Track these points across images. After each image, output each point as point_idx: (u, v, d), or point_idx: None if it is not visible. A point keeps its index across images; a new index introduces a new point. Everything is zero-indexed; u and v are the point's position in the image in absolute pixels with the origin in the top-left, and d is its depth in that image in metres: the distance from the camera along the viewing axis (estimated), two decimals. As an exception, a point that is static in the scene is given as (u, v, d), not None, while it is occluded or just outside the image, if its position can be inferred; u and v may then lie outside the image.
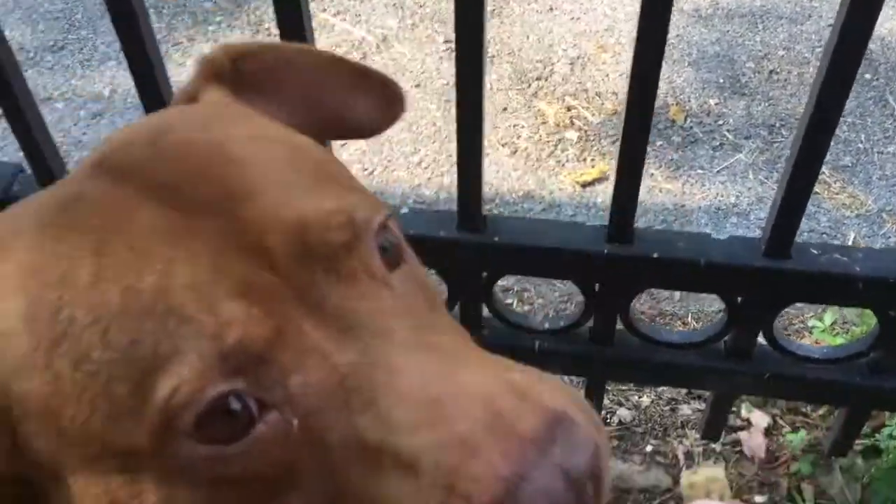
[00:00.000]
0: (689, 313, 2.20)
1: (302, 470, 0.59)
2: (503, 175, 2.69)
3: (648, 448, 1.94)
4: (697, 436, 1.92)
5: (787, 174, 1.32)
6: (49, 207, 0.63)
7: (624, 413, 2.01)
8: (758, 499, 1.82)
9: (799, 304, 2.23)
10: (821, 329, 2.13)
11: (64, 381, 0.57)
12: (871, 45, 2.83)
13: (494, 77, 3.05)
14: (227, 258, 0.59)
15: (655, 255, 1.40)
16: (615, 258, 1.42)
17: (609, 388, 2.04)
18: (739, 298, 1.47)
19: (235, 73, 0.80)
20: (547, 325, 1.64)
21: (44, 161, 1.50)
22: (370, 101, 0.86)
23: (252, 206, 0.61)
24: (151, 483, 0.59)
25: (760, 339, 1.57)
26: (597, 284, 1.50)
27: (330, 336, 0.59)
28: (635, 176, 1.37)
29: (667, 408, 2.01)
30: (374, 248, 0.65)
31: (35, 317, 0.58)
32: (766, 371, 1.56)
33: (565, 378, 2.08)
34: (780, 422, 1.94)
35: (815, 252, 1.37)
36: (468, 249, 1.49)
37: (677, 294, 2.27)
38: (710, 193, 2.59)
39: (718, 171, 2.66)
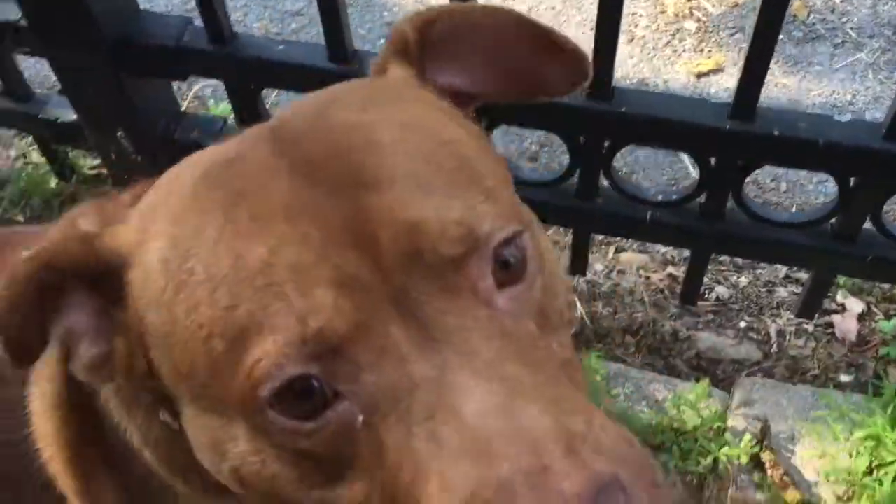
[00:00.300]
0: (794, 204, 2.26)
1: (359, 460, 0.62)
2: (619, 62, 2.72)
3: (742, 324, 2.05)
4: (791, 316, 2.02)
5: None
6: (215, 161, 0.68)
7: (721, 290, 2.11)
8: (843, 378, 1.92)
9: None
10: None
11: (178, 325, 0.64)
12: None
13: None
14: (336, 245, 0.60)
15: (776, 133, 1.47)
16: (736, 134, 1.50)
17: (709, 266, 2.14)
18: (853, 181, 1.54)
19: (421, 43, 0.79)
20: (660, 198, 1.74)
21: (213, 16, 1.64)
22: (554, 65, 0.81)
23: (376, 197, 0.62)
24: (244, 433, 0.65)
25: (867, 224, 1.64)
26: (713, 159, 1.59)
27: (414, 343, 0.60)
28: (765, 58, 1.43)
29: (763, 289, 2.10)
30: (486, 265, 0.64)
31: (169, 260, 0.65)
32: (870, 254, 1.64)
33: (671, 249, 2.18)
34: (874, 309, 2.01)
35: (936, 135, 1.42)
36: (594, 118, 1.58)
37: (783, 184, 2.32)
38: (826, 90, 2.59)
39: (837, 69, 2.65)
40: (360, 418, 0.61)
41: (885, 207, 1.58)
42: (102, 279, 0.69)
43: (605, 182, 1.74)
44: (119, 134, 1.92)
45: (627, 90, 1.60)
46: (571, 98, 1.57)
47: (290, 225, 0.61)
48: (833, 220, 1.64)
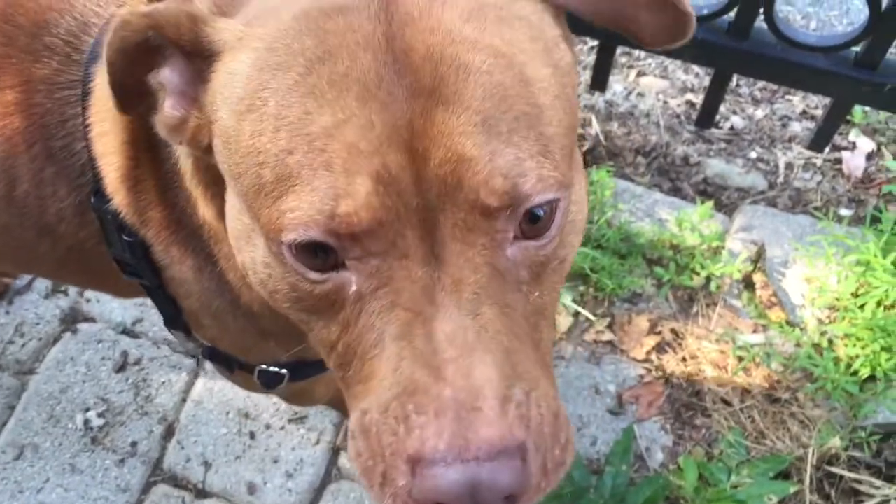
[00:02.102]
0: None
1: (339, 316, 0.70)
2: None
3: (753, 154, 2.06)
4: (801, 150, 2.03)
5: None
6: (322, 5, 0.67)
7: (736, 120, 2.11)
8: (843, 211, 1.96)
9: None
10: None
11: (242, 137, 0.68)
12: None
13: None
14: (393, 145, 0.62)
15: (817, -57, 1.44)
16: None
17: (727, 96, 2.13)
18: (885, 4, 1.52)
19: None
20: (690, 11, 1.71)
21: None
22: (658, 19, 0.78)
23: (443, 116, 0.63)
24: (262, 246, 0.72)
25: (890, 54, 1.63)
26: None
27: (420, 254, 0.64)
28: None
29: (778, 122, 2.11)
30: (514, 221, 0.66)
31: (251, 79, 0.67)
32: (889, 83, 1.64)
33: (691, 77, 2.17)
34: (884, 149, 2.02)
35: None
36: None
37: (813, 23, 2.28)
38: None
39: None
40: (354, 288, 0.67)
41: (913, 36, 1.56)
42: (197, 57, 0.72)
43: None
44: None
45: None
46: None
47: (360, 105, 0.63)
48: (858, 47, 1.62)
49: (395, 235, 0.64)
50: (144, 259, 0.97)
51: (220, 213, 0.85)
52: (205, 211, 0.88)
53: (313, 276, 0.69)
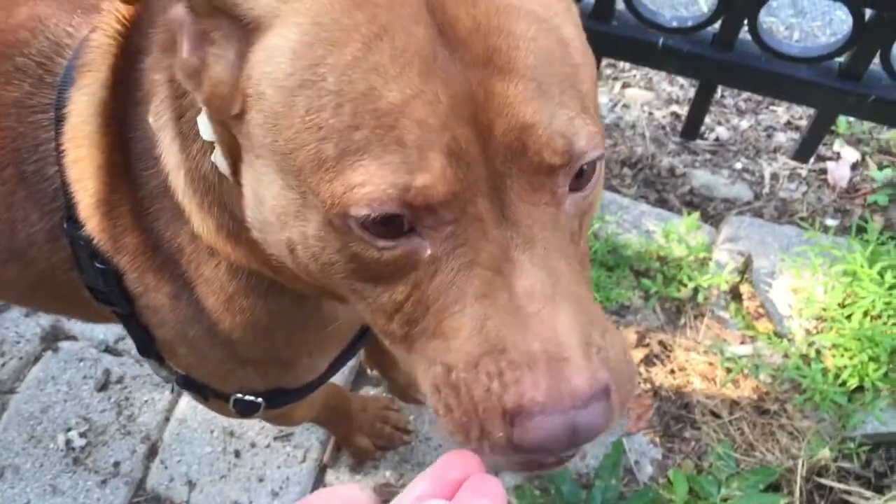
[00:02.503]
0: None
1: (411, 276, 0.70)
2: None
3: (738, 165, 2.06)
4: (787, 160, 2.03)
5: None
6: None
7: (722, 131, 2.11)
8: (829, 221, 1.95)
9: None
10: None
11: (294, 113, 0.67)
12: None
13: None
14: (459, 119, 0.65)
15: (800, -46, 1.44)
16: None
17: (712, 107, 2.13)
18: (867, 14, 1.52)
19: None
20: (675, 24, 1.71)
21: None
22: None
23: (501, 86, 0.66)
24: (317, 221, 0.71)
25: (874, 65, 1.63)
26: (734, -19, 1.55)
27: (492, 217, 0.67)
28: None
29: (763, 133, 2.10)
30: (569, 176, 0.70)
31: (301, 55, 0.67)
32: (873, 93, 1.64)
33: (676, 88, 2.17)
34: (869, 160, 2.02)
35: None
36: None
37: (797, 33, 2.29)
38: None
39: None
40: (429, 252, 0.69)
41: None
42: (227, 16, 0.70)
43: (620, 5, 1.71)
44: None
45: None
46: None
47: (423, 81, 0.65)
48: (842, 58, 1.62)
49: (467, 203, 0.67)
50: (117, 287, 0.95)
51: (220, 225, 0.84)
52: (201, 224, 0.86)
53: (382, 243, 0.69)
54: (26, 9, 0.96)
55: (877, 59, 1.61)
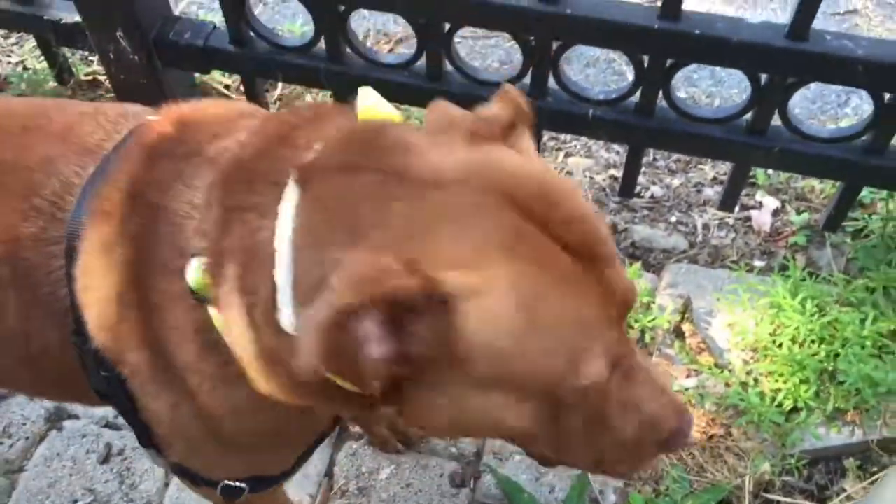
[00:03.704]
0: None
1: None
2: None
3: (673, 218, 2.25)
4: (715, 211, 2.22)
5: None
6: (505, 226, 0.81)
7: (656, 189, 2.31)
8: (757, 263, 2.14)
9: (831, 99, 2.49)
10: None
11: (525, 345, 0.82)
12: None
13: None
14: (603, 318, 0.86)
15: (697, 32, 1.66)
16: (664, 32, 1.67)
17: (646, 168, 2.33)
18: (763, 78, 1.73)
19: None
20: (601, 96, 1.92)
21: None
22: None
23: (609, 273, 0.87)
24: (530, 407, 0.90)
25: (776, 121, 1.84)
26: (646, 58, 1.77)
27: (626, 347, 0.94)
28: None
29: (693, 188, 2.31)
30: None
31: (514, 317, 0.81)
32: (777, 146, 1.84)
33: (613, 154, 2.38)
34: (788, 206, 2.22)
35: (827, 37, 1.62)
36: (544, 19, 1.75)
37: (717, 101, 2.51)
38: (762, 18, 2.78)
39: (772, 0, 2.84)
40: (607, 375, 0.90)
41: (793, 104, 1.77)
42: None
43: (553, 84, 1.92)
44: (118, 34, 2.06)
45: (571, -5, 1.76)
46: (526, 1, 1.73)
47: (582, 291, 0.85)
48: (747, 116, 1.83)
49: (622, 345, 0.93)
50: (121, 390, 1.05)
51: (283, 384, 0.90)
52: (265, 384, 0.92)
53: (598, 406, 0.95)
54: (40, 150, 1.08)
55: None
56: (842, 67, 1.61)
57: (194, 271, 0.92)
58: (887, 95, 1.67)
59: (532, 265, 0.81)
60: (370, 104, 0.99)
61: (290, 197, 0.87)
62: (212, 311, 0.93)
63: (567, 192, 0.88)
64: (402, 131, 0.90)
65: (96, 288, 1.01)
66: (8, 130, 1.12)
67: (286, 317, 0.85)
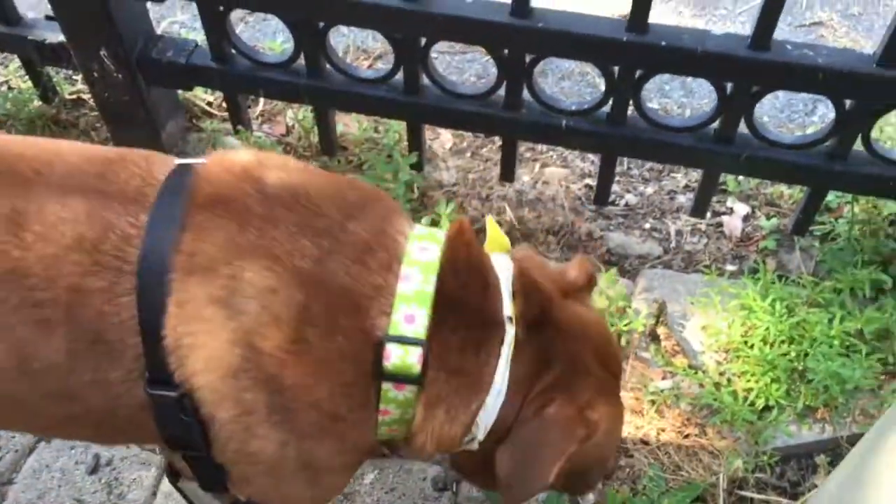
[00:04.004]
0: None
1: None
2: None
3: (647, 225, 2.31)
4: (688, 217, 2.28)
5: None
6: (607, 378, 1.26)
7: (630, 198, 2.36)
8: (729, 267, 2.19)
9: (799, 107, 2.56)
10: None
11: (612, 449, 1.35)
12: None
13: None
14: None
15: (664, 44, 1.71)
16: (632, 44, 1.73)
17: (619, 177, 2.39)
18: (729, 87, 1.79)
19: None
20: (574, 107, 1.97)
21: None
22: None
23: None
24: None
25: (743, 129, 1.90)
26: (616, 69, 1.83)
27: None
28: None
29: (666, 196, 2.36)
30: None
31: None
32: (744, 153, 1.90)
33: (588, 164, 2.43)
34: (758, 211, 2.28)
35: (788, 47, 1.68)
36: (516, 33, 1.80)
37: (688, 111, 2.58)
38: (729, 31, 2.85)
39: (739, 13, 2.91)
40: None
41: (759, 112, 1.83)
42: None
43: (527, 96, 1.97)
44: (102, 53, 2.10)
45: (543, 9, 1.81)
46: (496, 15, 1.79)
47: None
48: (715, 124, 1.89)
49: None
50: (200, 433, 1.08)
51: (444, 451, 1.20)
52: (446, 430, 1.17)
53: None
54: (83, 207, 1.04)
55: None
56: (803, 75, 1.67)
57: (403, 355, 1.07)
58: (848, 102, 1.73)
59: (615, 407, 1.27)
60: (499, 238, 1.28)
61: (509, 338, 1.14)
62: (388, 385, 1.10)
63: (612, 337, 1.31)
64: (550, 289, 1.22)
65: (206, 333, 1.02)
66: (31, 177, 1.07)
67: (480, 430, 1.16)
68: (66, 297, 1.03)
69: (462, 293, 1.11)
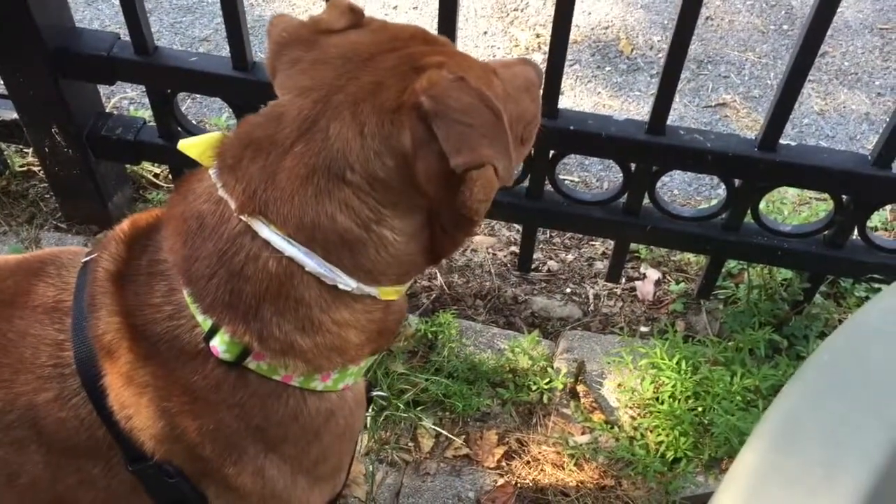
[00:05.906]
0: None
1: None
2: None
3: (567, 290, 2.45)
4: (604, 283, 2.43)
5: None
6: None
7: (552, 264, 2.51)
8: (643, 328, 2.34)
9: (706, 181, 2.74)
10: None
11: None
12: (792, 2, 3.25)
13: (479, 6, 3.47)
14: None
15: (572, 128, 1.87)
16: (545, 129, 1.88)
17: (542, 245, 2.53)
18: (633, 166, 1.95)
19: None
20: (496, 183, 2.11)
21: (139, 32, 1.95)
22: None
23: None
24: None
25: (647, 202, 2.06)
26: (532, 151, 1.97)
27: None
28: (557, 75, 1.83)
29: (585, 263, 2.51)
30: None
31: None
32: (649, 224, 2.06)
33: (514, 232, 2.57)
34: (668, 277, 2.44)
35: (681, 132, 1.85)
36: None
37: (601, 171, 2.75)
38: (643, 111, 3.05)
39: (652, 94, 3.12)
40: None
41: (662, 189, 1.99)
42: None
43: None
44: (53, 130, 2.19)
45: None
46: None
47: None
48: (622, 199, 2.05)
49: None
50: (189, 486, 1.12)
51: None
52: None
53: None
54: (22, 324, 1.11)
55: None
56: (694, 157, 1.84)
57: (222, 344, 1.02)
58: (737, 181, 1.91)
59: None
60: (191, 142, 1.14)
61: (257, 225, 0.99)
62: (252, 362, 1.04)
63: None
64: None
65: (136, 405, 1.06)
66: None
67: (342, 284, 1.02)
68: (29, 415, 1.09)
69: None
